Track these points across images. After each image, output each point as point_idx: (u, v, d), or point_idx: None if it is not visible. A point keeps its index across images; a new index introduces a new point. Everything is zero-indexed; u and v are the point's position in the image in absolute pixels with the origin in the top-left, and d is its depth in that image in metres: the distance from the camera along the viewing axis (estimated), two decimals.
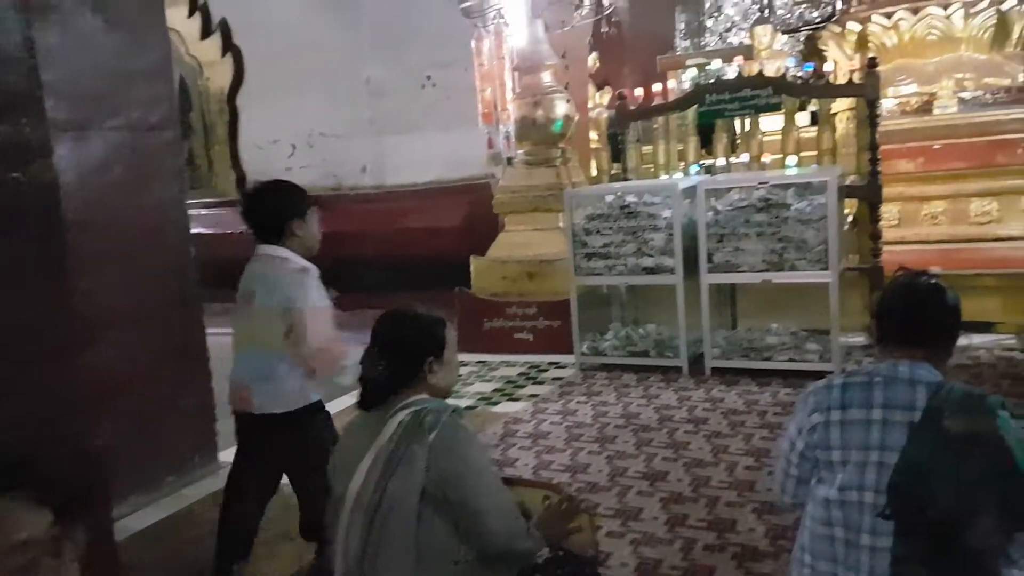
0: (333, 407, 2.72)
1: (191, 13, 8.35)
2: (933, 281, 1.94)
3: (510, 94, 5.71)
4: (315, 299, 2.51)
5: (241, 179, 8.24)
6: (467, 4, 5.61)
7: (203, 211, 7.56)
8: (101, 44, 2.98)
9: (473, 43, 5.67)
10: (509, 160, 6.22)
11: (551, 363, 5.45)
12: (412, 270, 6.51)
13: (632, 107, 5.96)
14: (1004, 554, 1.77)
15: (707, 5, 10.61)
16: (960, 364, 4.52)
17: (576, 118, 6.29)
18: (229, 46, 8.33)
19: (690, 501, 3.18)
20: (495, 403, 4.75)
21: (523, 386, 5.03)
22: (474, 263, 6.24)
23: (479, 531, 1.94)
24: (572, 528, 2.29)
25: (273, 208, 2.61)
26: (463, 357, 5.81)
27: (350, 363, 2.34)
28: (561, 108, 6.00)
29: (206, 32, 8.42)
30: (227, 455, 3.01)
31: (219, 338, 3.08)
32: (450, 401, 2.12)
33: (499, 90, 5.52)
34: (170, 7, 3.78)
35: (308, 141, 7.98)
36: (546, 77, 6.05)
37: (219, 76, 8.46)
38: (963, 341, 4.83)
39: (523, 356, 5.66)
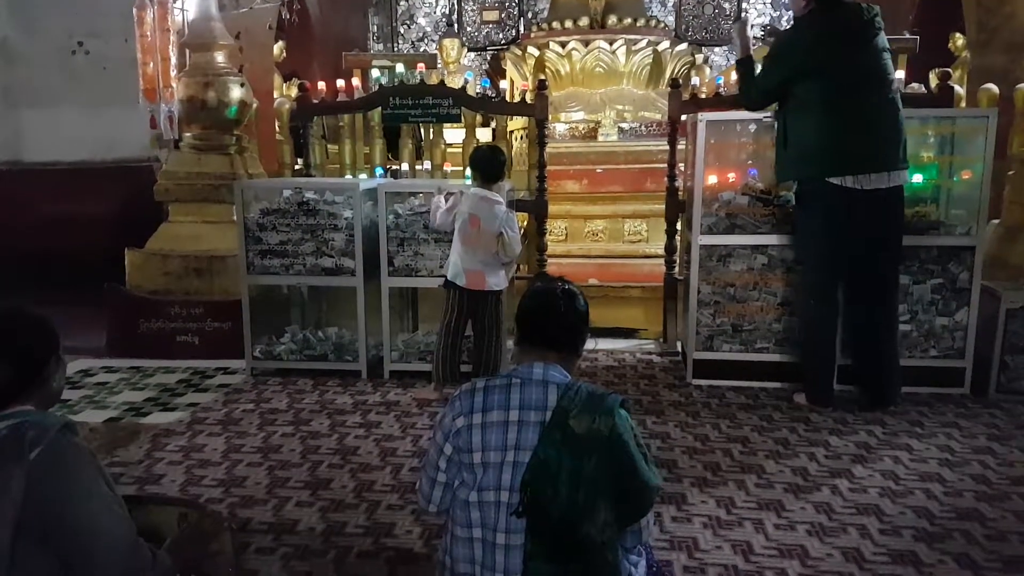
0: None
1: None
2: (566, 287, 2.04)
3: (175, 71, 5.17)
4: (515, 228, 4.17)
5: None
6: None
7: None
8: None
9: (135, 11, 5.05)
10: (176, 143, 5.65)
11: (218, 369, 5.02)
12: (52, 263, 5.62)
13: (315, 101, 5.75)
14: (620, 544, 1.91)
15: (399, 12, 10.73)
16: (607, 365, 5.00)
17: (256, 105, 5.90)
18: None
19: (351, 508, 3.08)
20: (146, 414, 4.23)
21: (182, 394, 4.56)
22: (129, 256, 5.54)
23: (88, 566, 1.67)
24: (211, 550, 2.08)
25: (497, 163, 4.18)
26: (112, 362, 5.18)
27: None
28: (236, 92, 5.55)
29: None
30: None
31: None
32: (60, 414, 1.83)
33: (163, 65, 4.98)
34: None
35: None
36: (219, 57, 5.57)
37: None
38: (611, 344, 5.39)
39: (186, 361, 5.14)
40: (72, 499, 1.65)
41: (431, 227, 4.49)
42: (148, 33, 5.09)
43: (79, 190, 6.37)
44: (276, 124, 6.61)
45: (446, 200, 4.28)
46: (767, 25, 10.31)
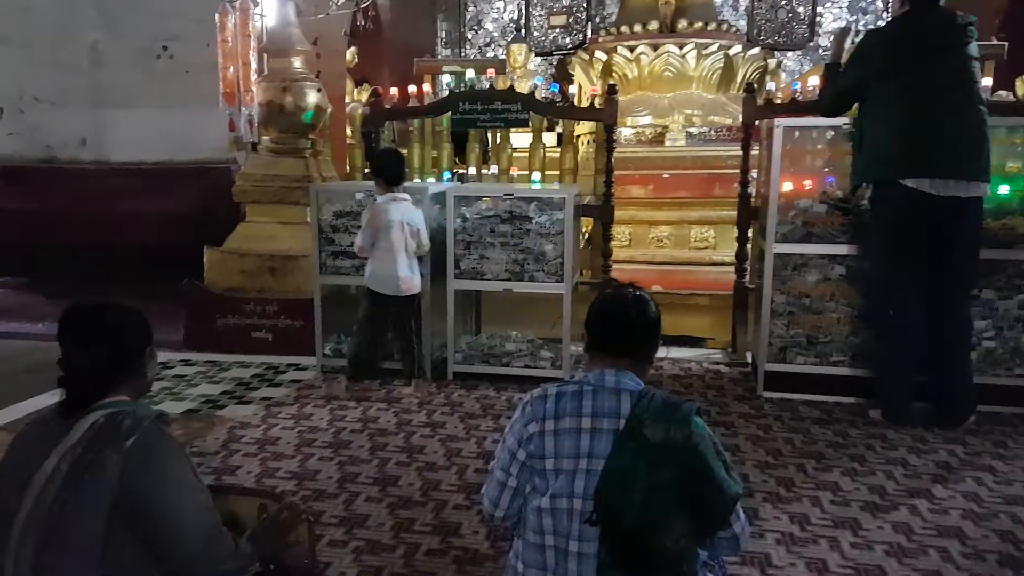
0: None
1: None
2: (637, 293, 2.03)
3: (255, 75, 5.33)
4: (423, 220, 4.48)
5: None
6: None
7: None
8: None
9: (217, 17, 5.23)
10: (254, 146, 5.82)
11: (290, 365, 5.15)
12: (135, 258, 5.84)
13: (387, 106, 5.85)
14: (717, 552, 1.89)
15: (468, 18, 10.84)
16: (673, 375, 4.94)
17: (330, 110, 6.04)
18: None
19: (419, 505, 3.12)
20: (222, 406, 4.36)
21: (256, 388, 4.69)
22: (208, 254, 5.73)
23: (173, 551, 1.73)
24: (289, 541, 2.13)
25: (402, 167, 4.44)
26: (190, 356, 5.36)
27: None
28: (312, 97, 5.69)
29: None
30: None
31: None
32: (152, 406, 1.90)
33: (243, 70, 5.14)
34: None
35: (18, 106, 6.95)
36: (296, 63, 5.71)
37: None
38: (676, 354, 5.32)
39: (260, 357, 5.29)
40: (162, 487, 1.71)
41: (356, 251, 4.51)
42: (229, 38, 5.25)
43: (160, 189, 6.61)
44: (348, 128, 6.74)
45: (361, 234, 4.38)
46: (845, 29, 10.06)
